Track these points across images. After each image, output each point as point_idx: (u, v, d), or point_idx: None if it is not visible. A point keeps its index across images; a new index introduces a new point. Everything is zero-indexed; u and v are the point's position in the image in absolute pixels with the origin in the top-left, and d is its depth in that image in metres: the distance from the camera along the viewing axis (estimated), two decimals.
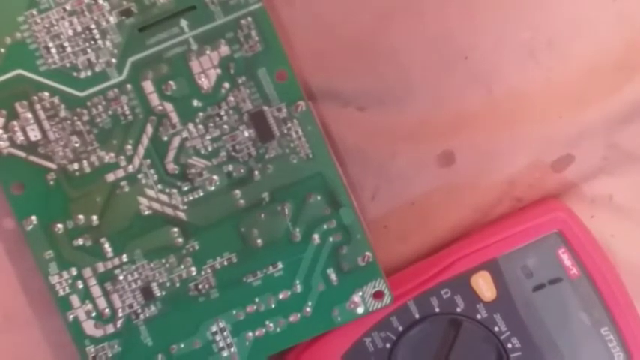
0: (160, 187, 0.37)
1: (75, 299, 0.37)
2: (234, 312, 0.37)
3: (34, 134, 0.37)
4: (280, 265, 0.37)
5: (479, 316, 0.37)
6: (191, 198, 0.37)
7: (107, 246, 0.37)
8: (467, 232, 0.39)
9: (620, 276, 0.37)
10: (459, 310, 0.37)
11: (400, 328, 0.37)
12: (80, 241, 0.37)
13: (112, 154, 0.37)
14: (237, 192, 0.37)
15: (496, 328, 0.37)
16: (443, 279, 0.37)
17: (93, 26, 0.37)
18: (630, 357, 0.37)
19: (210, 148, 0.37)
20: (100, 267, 0.37)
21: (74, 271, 0.37)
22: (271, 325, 0.37)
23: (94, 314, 0.37)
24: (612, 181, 0.39)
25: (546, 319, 0.37)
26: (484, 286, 0.37)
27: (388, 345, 0.37)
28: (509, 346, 0.37)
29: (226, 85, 0.37)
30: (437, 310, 0.37)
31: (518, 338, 0.37)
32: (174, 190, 0.37)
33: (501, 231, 0.37)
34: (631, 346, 0.37)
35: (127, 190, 0.37)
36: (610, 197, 0.39)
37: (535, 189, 0.39)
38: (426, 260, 0.38)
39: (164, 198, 0.37)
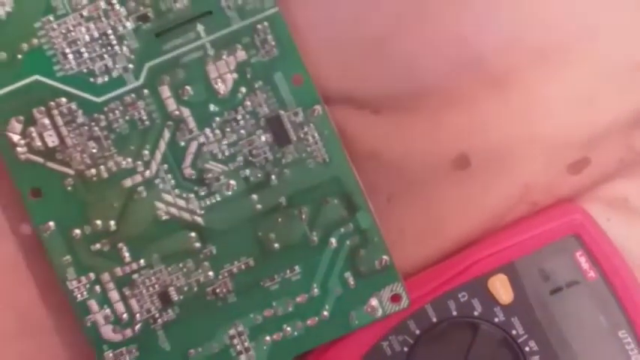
0: (177, 191, 0.37)
1: (93, 304, 0.37)
2: (252, 316, 0.37)
3: (52, 140, 0.37)
4: (297, 269, 0.37)
5: (496, 320, 0.37)
6: (208, 203, 0.37)
7: (125, 251, 0.37)
8: (482, 235, 0.39)
9: (638, 278, 0.37)
10: (476, 313, 0.37)
11: (417, 332, 0.37)
12: (98, 246, 0.37)
13: (130, 160, 0.37)
14: (255, 196, 0.37)
15: (513, 332, 0.37)
16: (460, 282, 0.37)
17: (110, 32, 0.37)
18: None
19: (227, 153, 0.37)
20: (118, 272, 0.37)
21: (92, 276, 0.37)
22: (289, 329, 0.37)
23: (112, 319, 0.37)
24: (629, 184, 0.39)
25: (564, 323, 0.37)
26: (501, 289, 0.37)
27: (405, 349, 0.37)
28: (527, 349, 0.37)
29: (243, 89, 0.37)
30: (454, 313, 0.37)
31: (535, 341, 0.37)
32: (192, 195, 0.37)
33: (518, 234, 0.37)
34: None
35: (144, 195, 0.37)
36: (626, 200, 0.39)
37: (551, 192, 0.39)
38: (442, 264, 0.38)
39: (181, 203, 0.37)
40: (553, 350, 0.37)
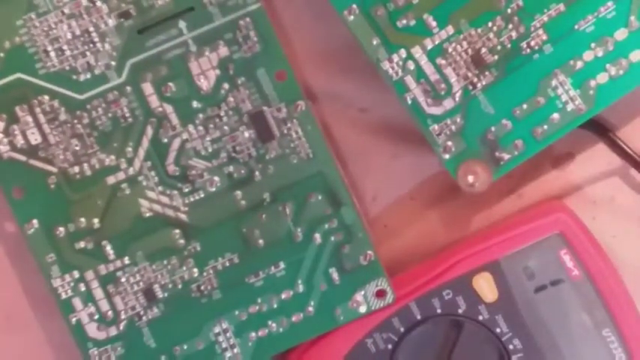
0: (160, 188, 0.37)
1: (77, 302, 0.37)
2: (236, 313, 0.37)
3: (35, 138, 0.37)
4: (282, 265, 0.37)
5: (480, 318, 0.37)
6: (192, 199, 0.37)
7: (109, 248, 0.37)
8: (467, 230, 0.39)
9: (622, 277, 0.37)
10: (460, 311, 0.37)
11: (402, 329, 0.37)
12: (82, 244, 0.37)
13: (113, 157, 0.37)
14: (238, 193, 0.37)
15: (498, 330, 0.37)
16: (444, 280, 0.37)
17: (92, 29, 0.36)
18: (631, 358, 0.37)
19: (210, 149, 0.37)
20: (102, 269, 0.37)
21: (76, 274, 0.37)
22: (274, 325, 0.37)
23: (96, 317, 0.37)
24: (614, 182, 0.39)
25: (548, 321, 0.37)
26: (486, 287, 0.37)
27: (390, 346, 0.37)
28: (511, 347, 0.37)
29: (226, 85, 0.37)
30: (438, 311, 0.37)
31: (519, 340, 0.37)
32: (175, 192, 0.37)
33: (503, 232, 0.37)
34: (632, 347, 0.36)
35: (127, 192, 0.37)
36: (612, 198, 0.39)
37: (536, 187, 0.39)
38: (427, 262, 0.38)
39: (165, 200, 0.37)
40: (537, 348, 0.37)
